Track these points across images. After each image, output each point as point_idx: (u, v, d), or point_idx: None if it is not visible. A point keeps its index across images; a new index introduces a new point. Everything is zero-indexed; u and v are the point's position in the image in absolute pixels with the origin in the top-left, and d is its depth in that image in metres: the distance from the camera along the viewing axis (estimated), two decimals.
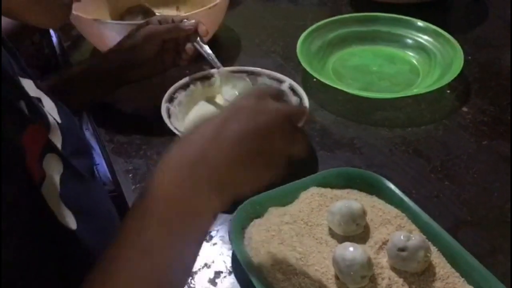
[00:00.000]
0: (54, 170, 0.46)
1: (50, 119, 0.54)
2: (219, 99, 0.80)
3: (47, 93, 0.60)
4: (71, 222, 0.46)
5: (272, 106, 0.46)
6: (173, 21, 0.77)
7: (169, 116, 0.72)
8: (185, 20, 0.77)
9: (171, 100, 0.75)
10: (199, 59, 0.79)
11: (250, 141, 0.44)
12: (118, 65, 0.76)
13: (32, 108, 0.49)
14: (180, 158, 0.44)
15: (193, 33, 0.76)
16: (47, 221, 0.43)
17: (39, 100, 0.56)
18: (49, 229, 0.43)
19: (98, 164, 1.03)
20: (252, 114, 0.44)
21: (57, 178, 0.46)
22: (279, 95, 0.49)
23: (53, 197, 0.44)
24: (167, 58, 0.78)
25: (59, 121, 0.57)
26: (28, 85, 0.55)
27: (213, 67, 0.79)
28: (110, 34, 0.84)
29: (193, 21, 0.77)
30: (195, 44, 0.77)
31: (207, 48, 0.77)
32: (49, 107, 0.57)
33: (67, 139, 0.55)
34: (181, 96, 0.77)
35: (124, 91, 0.80)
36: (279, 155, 0.46)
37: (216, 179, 0.43)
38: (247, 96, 0.47)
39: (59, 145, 0.53)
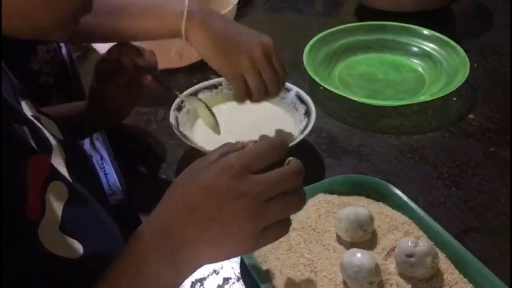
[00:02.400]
0: (58, 199, 0.46)
1: (51, 139, 0.54)
2: (226, 107, 0.81)
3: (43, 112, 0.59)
4: (75, 250, 0.46)
5: (245, 187, 0.43)
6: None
7: (177, 125, 0.73)
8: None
9: (179, 108, 0.76)
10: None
11: (215, 229, 0.43)
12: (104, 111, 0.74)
13: (34, 134, 0.49)
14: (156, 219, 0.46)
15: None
16: (40, 261, 0.43)
17: (38, 119, 0.56)
18: (43, 269, 0.43)
19: (108, 173, 1.04)
20: (220, 201, 0.43)
21: (59, 208, 0.46)
22: (269, 156, 0.45)
23: (51, 233, 0.44)
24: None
25: (61, 137, 0.56)
26: (27, 105, 0.55)
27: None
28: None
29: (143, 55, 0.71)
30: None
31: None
32: (48, 125, 0.57)
33: (70, 155, 0.54)
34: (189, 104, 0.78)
35: None
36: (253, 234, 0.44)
37: (171, 251, 0.43)
38: (221, 172, 0.43)
39: (63, 165, 0.52)
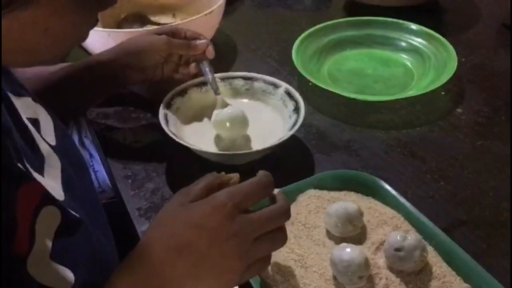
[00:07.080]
0: (49, 226, 0.44)
1: (44, 149, 0.51)
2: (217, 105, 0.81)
3: (43, 102, 0.57)
4: (66, 280, 0.44)
5: (237, 228, 0.45)
6: (185, 36, 0.78)
7: (166, 122, 0.73)
8: (198, 40, 0.78)
9: (168, 106, 0.76)
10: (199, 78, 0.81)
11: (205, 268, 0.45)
12: (121, 66, 0.76)
13: (28, 149, 0.47)
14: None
15: (201, 54, 0.78)
16: None
17: (36, 121, 0.53)
18: None
19: (98, 171, 1.04)
20: (211, 240, 0.45)
21: (50, 236, 0.44)
22: (256, 196, 0.47)
23: (41, 263, 0.42)
24: (168, 69, 0.79)
25: (54, 143, 0.54)
26: (25, 104, 0.53)
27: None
28: (108, 42, 0.85)
29: (205, 41, 0.78)
30: (200, 65, 0.79)
31: (209, 72, 0.79)
32: (46, 126, 0.55)
33: (65, 161, 0.53)
34: (178, 102, 0.78)
35: (122, 98, 0.81)
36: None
37: None
38: (213, 211, 0.45)
39: (58, 176, 0.50)
